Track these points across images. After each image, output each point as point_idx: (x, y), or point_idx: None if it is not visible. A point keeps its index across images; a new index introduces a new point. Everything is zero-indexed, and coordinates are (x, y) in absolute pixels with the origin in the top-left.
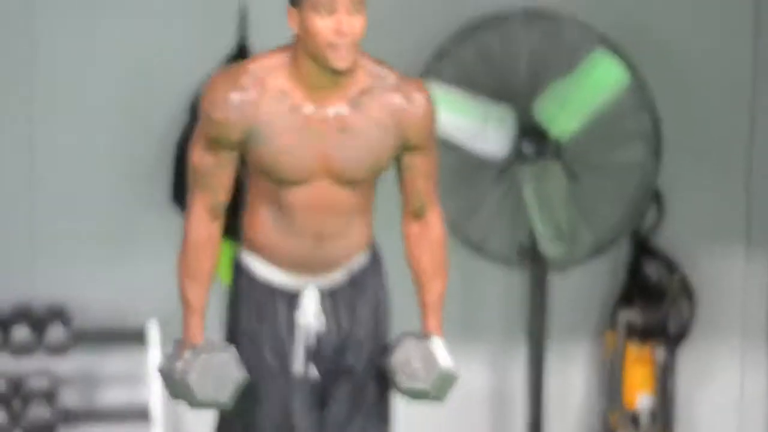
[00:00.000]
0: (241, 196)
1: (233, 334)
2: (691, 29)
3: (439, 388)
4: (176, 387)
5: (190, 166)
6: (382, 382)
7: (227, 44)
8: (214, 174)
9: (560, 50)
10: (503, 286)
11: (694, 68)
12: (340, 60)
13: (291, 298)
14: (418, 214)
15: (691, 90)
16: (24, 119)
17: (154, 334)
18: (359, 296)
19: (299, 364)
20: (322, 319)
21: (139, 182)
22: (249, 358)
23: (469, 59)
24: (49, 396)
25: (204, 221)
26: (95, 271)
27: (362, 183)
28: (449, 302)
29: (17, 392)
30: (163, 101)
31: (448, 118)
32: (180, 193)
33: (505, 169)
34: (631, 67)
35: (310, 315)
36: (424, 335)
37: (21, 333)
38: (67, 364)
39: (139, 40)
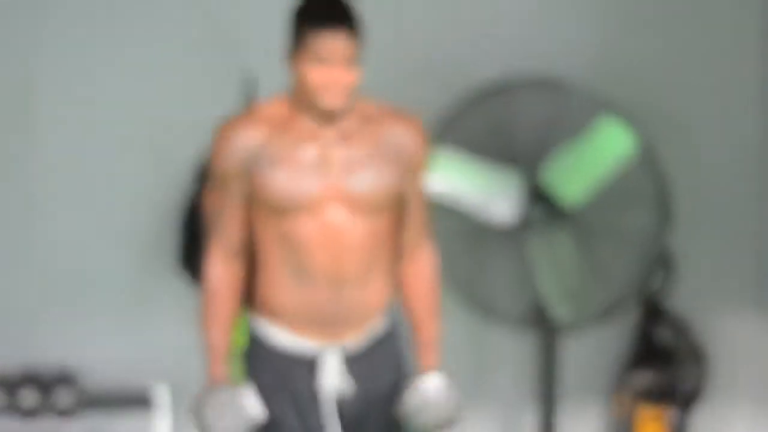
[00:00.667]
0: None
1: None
2: (699, 94)
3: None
4: (197, 423)
5: (206, 212)
6: None
7: (232, 110)
8: (224, 215)
9: (567, 117)
10: (513, 349)
11: (702, 132)
12: (329, 100)
13: (311, 364)
14: (412, 250)
15: (699, 153)
16: (27, 183)
17: (161, 397)
18: (379, 361)
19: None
20: (343, 383)
21: (147, 247)
22: (270, 426)
23: (476, 126)
24: None
25: (220, 264)
26: (102, 334)
27: (377, 215)
28: (459, 364)
29: None
30: (169, 167)
31: (455, 184)
32: (189, 258)
33: (513, 234)
34: (639, 132)
35: (330, 380)
36: (428, 372)
37: (28, 396)
38: (75, 428)
39: (143, 107)
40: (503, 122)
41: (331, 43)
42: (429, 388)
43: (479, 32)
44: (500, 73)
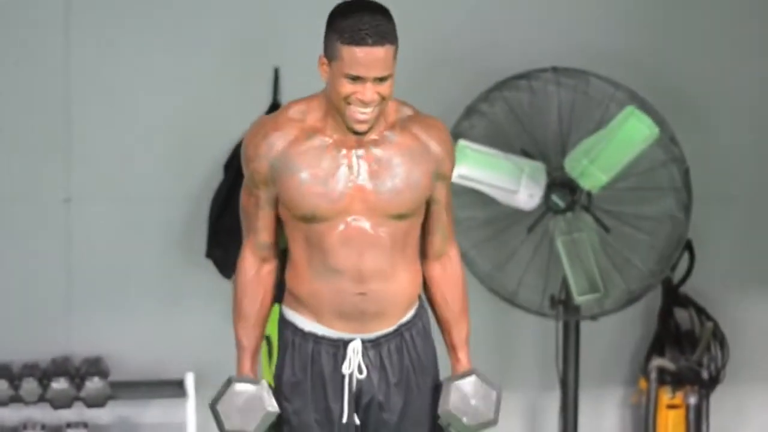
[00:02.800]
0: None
1: (279, 384)
2: (719, 82)
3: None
4: (214, 416)
5: (240, 210)
6: None
7: (262, 104)
8: (255, 215)
9: (589, 106)
10: (536, 336)
11: (723, 120)
12: (359, 126)
13: (336, 349)
14: (440, 253)
15: (720, 141)
16: (61, 173)
17: (190, 386)
18: (405, 350)
19: (345, 416)
20: (367, 371)
21: (178, 239)
22: (294, 409)
23: (500, 116)
24: None
25: (250, 262)
26: (132, 324)
27: (403, 219)
28: (483, 352)
29: None
30: (199, 159)
31: (478, 173)
32: (214, 248)
33: (536, 222)
34: (660, 121)
35: (354, 366)
36: (466, 372)
37: (60, 386)
38: (106, 416)
39: (176, 100)
40: (526, 111)
41: (364, 61)
42: (469, 389)
43: (501, 23)
44: (522, 63)
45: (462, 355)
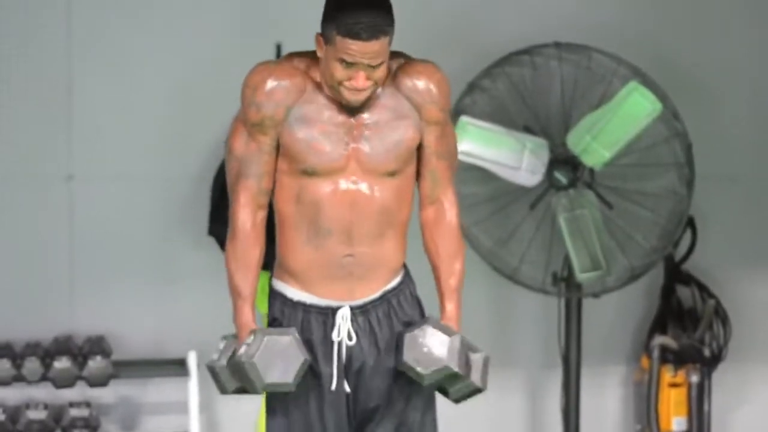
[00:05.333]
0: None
1: None
2: (722, 58)
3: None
4: (238, 373)
5: (233, 156)
6: (420, 401)
7: None
8: (257, 160)
9: (592, 81)
10: (538, 313)
11: (726, 96)
12: (352, 101)
13: (326, 317)
14: (432, 198)
15: (723, 117)
16: (63, 153)
17: (192, 365)
18: (394, 315)
19: (334, 382)
20: (356, 337)
21: (179, 215)
22: None
23: (502, 92)
24: (91, 426)
25: (249, 209)
26: (135, 303)
27: (396, 175)
28: (486, 328)
29: (59, 422)
30: (199, 137)
31: (481, 150)
32: (216, 225)
33: (539, 199)
34: (663, 96)
35: (344, 333)
36: (420, 322)
37: (62, 365)
38: (108, 395)
39: (178, 77)
40: (528, 87)
41: (358, 53)
42: (422, 337)
43: (505, 1)
44: (524, 39)
45: (448, 304)
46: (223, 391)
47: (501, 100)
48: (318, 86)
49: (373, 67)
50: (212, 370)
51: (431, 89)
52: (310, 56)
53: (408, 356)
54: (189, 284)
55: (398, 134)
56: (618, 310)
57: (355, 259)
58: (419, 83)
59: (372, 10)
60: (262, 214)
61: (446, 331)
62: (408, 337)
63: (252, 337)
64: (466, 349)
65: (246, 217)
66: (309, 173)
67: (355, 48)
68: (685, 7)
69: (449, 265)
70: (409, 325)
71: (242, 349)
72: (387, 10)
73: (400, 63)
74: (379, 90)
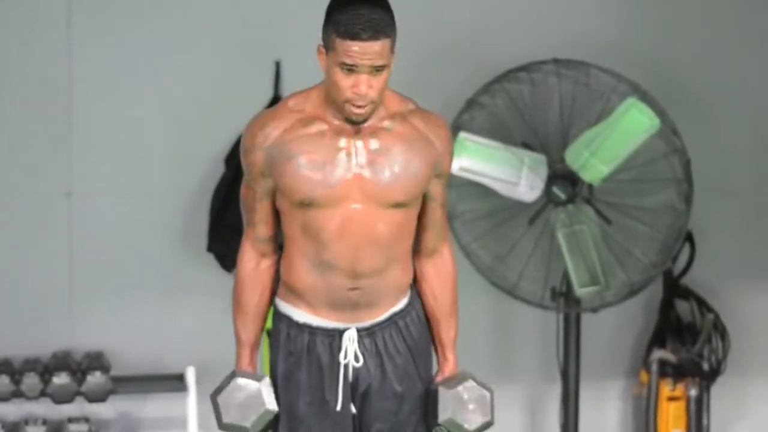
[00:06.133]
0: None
1: (274, 375)
2: (720, 74)
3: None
4: (215, 409)
5: (240, 201)
6: (423, 424)
7: (263, 98)
8: (253, 208)
9: (591, 98)
10: (537, 328)
11: (725, 111)
12: (356, 115)
13: (332, 339)
14: (432, 250)
15: (721, 132)
16: (62, 167)
17: (191, 380)
18: (400, 337)
19: (340, 404)
20: (363, 359)
21: (178, 231)
22: (290, 400)
23: (501, 109)
24: None
25: (249, 256)
26: (133, 319)
27: (400, 209)
28: (485, 344)
29: None
30: (200, 154)
31: (480, 166)
32: (216, 242)
33: (537, 214)
34: (661, 112)
35: (351, 354)
36: (461, 378)
37: (61, 380)
38: (107, 410)
39: (176, 95)
40: (527, 103)
41: (359, 54)
42: (466, 394)
43: (502, 15)
44: (523, 55)
45: (449, 355)
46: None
47: (500, 116)
48: (315, 117)
49: (376, 70)
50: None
51: (446, 142)
52: (308, 91)
53: (455, 413)
54: (188, 300)
55: (412, 165)
56: (617, 324)
57: (360, 292)
58: (438, 133)
59: (372, 8)
60: (267, 261)
61: (483, 385)
62: (451, 394)
63: (226, 378)
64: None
65: (246, 263)
66: (306, 204)
67: (356, 49)
68: (684, 23)
69: (450, 317)
70: (415, 347)
71: (217, 386)
72: (387, 11)
73: (412, 108)
74: (388, 122)
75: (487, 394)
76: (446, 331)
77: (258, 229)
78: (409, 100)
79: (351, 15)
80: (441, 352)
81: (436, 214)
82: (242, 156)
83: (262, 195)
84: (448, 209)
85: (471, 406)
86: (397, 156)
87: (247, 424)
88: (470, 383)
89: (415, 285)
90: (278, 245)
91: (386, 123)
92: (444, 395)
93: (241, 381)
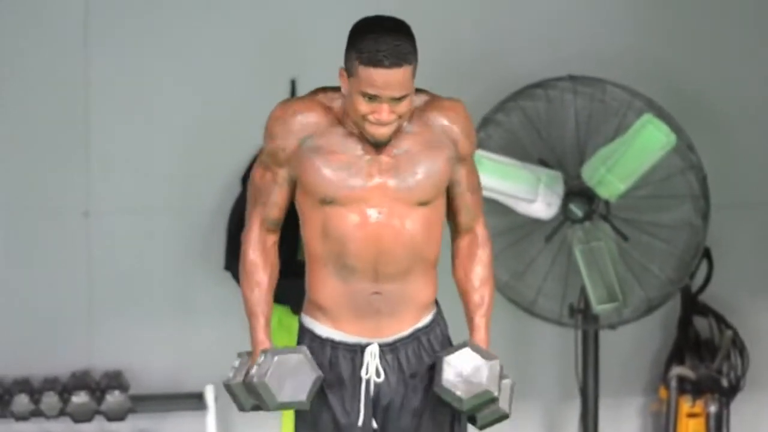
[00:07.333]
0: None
1: None
2: (737, 90)
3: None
4: (253, 392)
5: (251, 185)
6: None
7: None
8: (270, 190)
9: (606, 114)
10: (555, 345)
11: (741, 126)
12: (377, 136)
13: (354, 354)
14: (466, 227)
15: (737, 148)
16: (81, 188)
17: (210, 398)
18: (423, 354)
19: (361, 419)
20: (385, 374)
21: (195, 250)
22: (312, 412)
23: (516, 126)
24: None
25: (259, 234)
26: (152, 337)
27: (425, 207)
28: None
29: None
30: (217, 172)
31: (497, 184)
32: (233, 260)
33: (554, 231)
34: (677, 128)
35: (372, 370)
36: (458, 346)
37: (80, 399)
38: (126, 429)
39: (193, 114)
40: (543, 120)
41: (381, 85)
42: (460, 361)
43: (517, 33)
44: (538, 72)
45: (477, 329)
46: (241, 408)
47: (515, 133)
48: (339, 120)
49: (397, 100)
50: (229, 389)
51: (464, 124)
52: (337, 91)
53: (447, 380)
54: (206, 318)
55: (433, 164)
56: (635, 341)
57: (382, 297)
58: (452, 118)
59: (395, 35)
60: (272, 238)
61: (485, 355)
62: (446, 360)
63: (263, 357)
64: (501, 374)
65: (255, 239)
66: (328, 202)
67: (378, 77)
68: (700, 39)
69: (479, 289)
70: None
71: (254, 369)
72: (409, 38)
73: (426, 99)
74: (406, 124)
75: (488, 363)
76: (474, 305)
77: (272, 209)
78: (422, 91)
79: (373, 42)
80: (469, 327)
81: (465, 198)
82: (269, 139)
83: (284, 180)
84: (480, 194)
85: (465, 373)
86: (417, 158)
87: (304, 397)
88: (466, 351)
89: (451, 264)
90: (297, 263)
91: (405, 125)
92: (439, 363)
93: (281, 357)
